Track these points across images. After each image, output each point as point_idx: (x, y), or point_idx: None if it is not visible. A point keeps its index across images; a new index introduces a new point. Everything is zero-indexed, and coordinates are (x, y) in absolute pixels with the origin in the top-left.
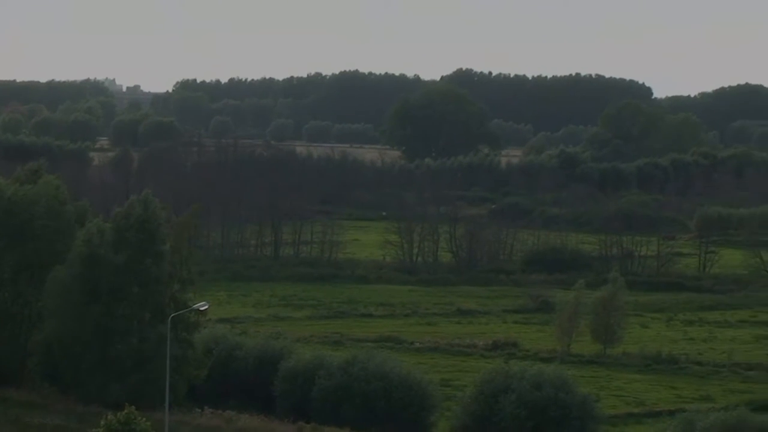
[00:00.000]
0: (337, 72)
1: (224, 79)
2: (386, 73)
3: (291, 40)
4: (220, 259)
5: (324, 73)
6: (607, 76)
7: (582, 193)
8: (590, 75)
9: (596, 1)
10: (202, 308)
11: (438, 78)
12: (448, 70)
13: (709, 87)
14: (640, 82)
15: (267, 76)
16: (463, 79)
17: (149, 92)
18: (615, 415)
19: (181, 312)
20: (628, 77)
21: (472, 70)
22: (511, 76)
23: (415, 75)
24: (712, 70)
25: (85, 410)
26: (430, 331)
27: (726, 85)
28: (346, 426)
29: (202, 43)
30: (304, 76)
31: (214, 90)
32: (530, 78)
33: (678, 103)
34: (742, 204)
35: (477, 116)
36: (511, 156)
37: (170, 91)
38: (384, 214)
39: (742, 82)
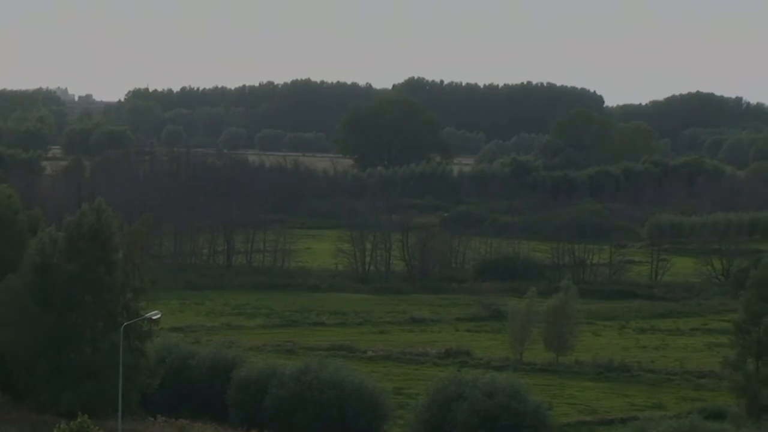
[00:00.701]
0: (289, 81)
1: (176, 88)
2: (338, 81)
3: (242, 49)
4: (172, 268)
5: (276, 82)
6: (559, 84)
7: (534, 201)
8: (542, 83)
9: (548, 10)
10: (154, 317)
11: (390, 86)
12: (400, 78)
13: (661, 95)
14: (592, 90)
15: (219, 85)
16: (414, 87)
17: (101, 101)
18: (567, 423)
19: (133, 321)
20: (579, 85)
21: (423, 78)
22: (463, 84)
23: (366, 84)
24: (664, 78)
25: (38, 419)
26: (382, 340)
27: (677, 93)
28: None
29: (154, 52)
30: (256, 85)
31: (166, 99)
32: (482, 86)
33: (629, 111)
34: (693, 212)
35: (429, 124)
36: (463, 164)
37: (122, 100)
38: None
39: (693, 90)
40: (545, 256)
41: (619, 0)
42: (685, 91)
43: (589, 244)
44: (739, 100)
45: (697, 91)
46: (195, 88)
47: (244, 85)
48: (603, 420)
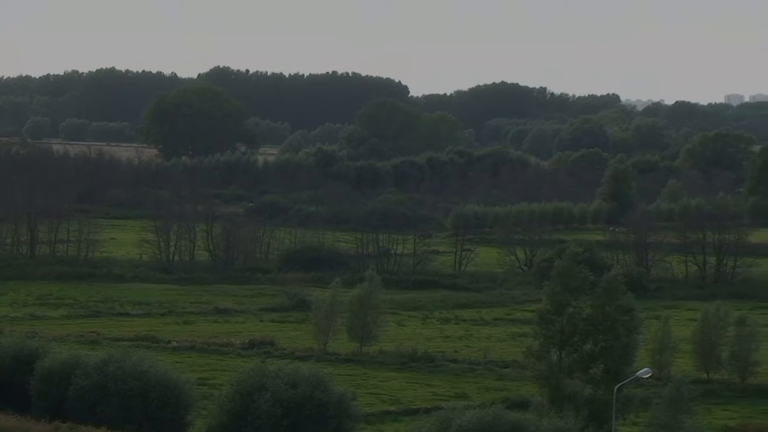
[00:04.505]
0: (93, 70)
1: None
2: (143, 71)
3: (46, 37)
4: None
5: (81, 71)
6: (364, 74)
7: (339, 192)
8: (347, 73)
9: (353, 1)
10: None
11: (195, 76)
12: (205, 68)
13: (466, 85)
14: (397, 80)
15: (23, 74)
16: (220, 77)
17: None
18: (371, 413)
19: None
20: (384, 76)
21: (229, 68)
22: (268, 74)
23: (172, 73)
24: (469, 68)
25: None
26: (186, 330)
27: (482, 83)
28: (103, 425)
29: None
30: (61, 73)
31: None
32: (287, 76)
33: (434, 101)
34: (497, 202)
35: (234, 114)
36: (267, 154)
37: None
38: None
39: (498, 81)
40: (350, 246)
41: None
42: (489, 81)
43: (394, 234)
44: (543, 90)
45: (502, 82)
46: None
47: (48, 74)
48: (407, 410)
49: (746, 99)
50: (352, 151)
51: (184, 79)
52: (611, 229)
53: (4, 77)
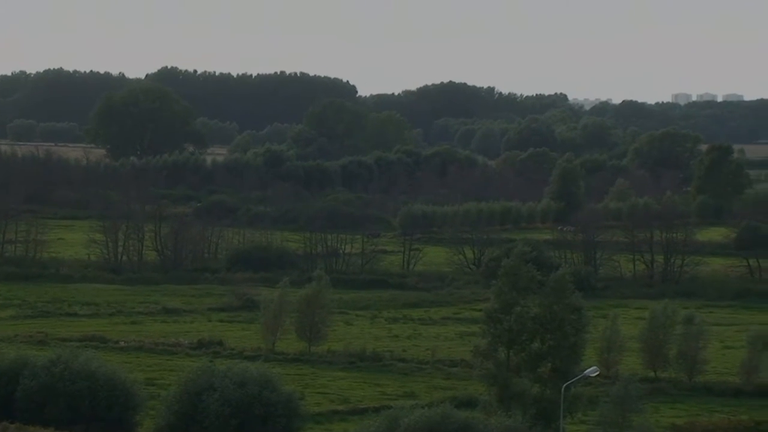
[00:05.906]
0: (41, 70)
1: None
2: (91, 71)
3: None
4: None
5: (28, 71)
6: (312, 74)
7: (287, 191)
8: (295, 73)
9: (298, 2)
10: None
11: (143, 76)
12: (153, 68)
13: (414, 85)
14: (345, 80)
15: None
16: (168, 77)
17: None
18: (320, 412)
19: None
20: (332, 75)
21: (177, 68)
22: (216, 74)
23: (120, 73)
24: (418, 68)
25: None
26: (135, 330)
27: (430, 83)
28: (51, 426)
29: None
30: (9, 74)
31: None
32: (235, 76)
33: (382, 101)
34: (445, 202)
35: (182, 114)
36: (216, 154)
37: None
38: None
39: (446, 80)
40: (298, 246)
41: None
42: (437, 81)
43: (342, 233)
44: (491, 90)
45: (450, 81)
46: None
47: None
48: (355, 409)
49: (693, 98)
50: (301, 151)
51: (132, 80)
52: (559, 228)
53: None
